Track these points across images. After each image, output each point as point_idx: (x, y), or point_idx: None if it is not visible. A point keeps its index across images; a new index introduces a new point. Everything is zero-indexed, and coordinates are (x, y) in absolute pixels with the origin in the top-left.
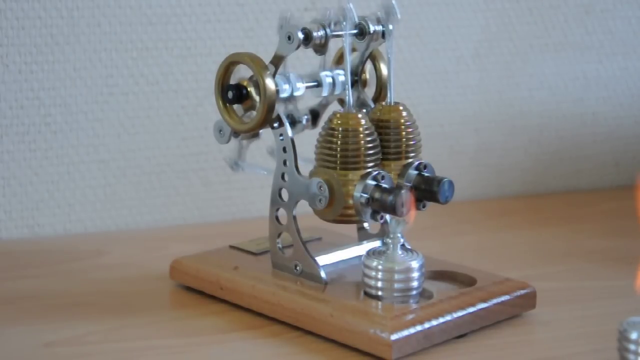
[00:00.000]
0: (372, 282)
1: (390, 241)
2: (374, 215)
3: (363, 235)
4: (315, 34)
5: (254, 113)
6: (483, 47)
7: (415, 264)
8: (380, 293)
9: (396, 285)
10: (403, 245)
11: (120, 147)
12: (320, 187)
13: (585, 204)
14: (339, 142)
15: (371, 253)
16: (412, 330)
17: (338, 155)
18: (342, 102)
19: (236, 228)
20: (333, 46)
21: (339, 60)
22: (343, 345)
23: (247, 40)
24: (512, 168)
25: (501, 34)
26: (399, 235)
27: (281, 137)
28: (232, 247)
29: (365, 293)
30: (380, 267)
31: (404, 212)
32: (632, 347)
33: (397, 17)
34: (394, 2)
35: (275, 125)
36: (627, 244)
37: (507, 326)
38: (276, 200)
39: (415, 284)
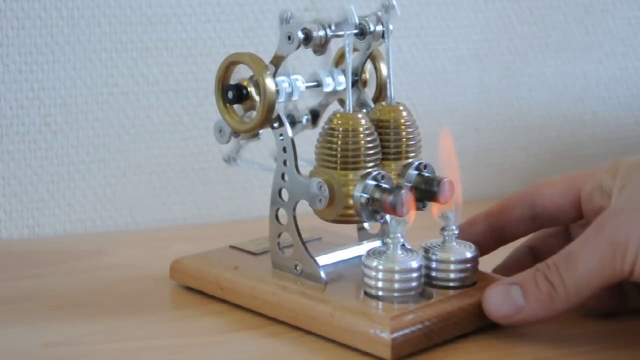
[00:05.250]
0: (372, 282)
1: (390, 241)
2: (374, 215)
3: (363, 235)
4: (315, 34)
5: (254, 113)
6: (483, 47)
7: (415, 264)
8: (380, 293)
9: (396, 285)
10: (403, 245)
11: (120, 147)
12: (320, 187)
13: None
14: (339, 142)
15: (371, 253)
16: (412, 330)
17: (338, 155)
18: (342, 102)
19: (236, 228)
20: (333, 46)
21: (339, 61)
22: (343, 345)
23: (247, 40)
24: (512, 168)
25: (501, 34)
26: (399, 235)
27: (281, 137)
28: (232, 247)
29: (365, 293)
30: (380, 267)
31: (404, 212)
32: (372, 273)
33: (397, 12)
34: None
35: (275, 125)
36: None
37: (507, 326)
38: (276, 200)
39: (415, 284)
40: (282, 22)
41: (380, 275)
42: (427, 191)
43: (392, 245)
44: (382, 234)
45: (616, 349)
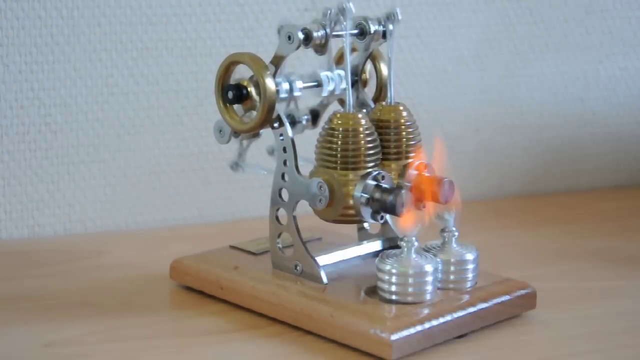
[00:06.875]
0: (386, 286)
1: (404, 244)
2: (374, 215)
3: (363, 235)
4: (315, 34)
5: (254, 113)
6: (483, 47)
7: (429, 268)
8: (393, 297)
9: (410, 289)
10: (417, 248)
11: (120, 147)
12: (320, 187)
13: (585, 204)
14: (339, 142)
15: (385, 256)
16: (412, 330)
17: (338, 155)
18: (342, 102)
19: (236, 228)
20: (333, 46)
21: (339, 60)
22: (343, 345)
23: (247, 40)
24: (512, 168)
25: (501, 34)
26: (413, 238)
27: (281, 137)
28: (232, 247)
29: (380, 297)
30: (394, 270)
31: (404, 212)
32: (385, 277)
33: (398, 18)
34: (397, 8)
35: (276, 125)
36: (626, 244)
37: (507, 326)
38: (276, 200)
39: (429, 287)
40: (279, 32)
41: (394, 279)
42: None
43: (406, 249)
44: (382, 234)
45: (616, 349)
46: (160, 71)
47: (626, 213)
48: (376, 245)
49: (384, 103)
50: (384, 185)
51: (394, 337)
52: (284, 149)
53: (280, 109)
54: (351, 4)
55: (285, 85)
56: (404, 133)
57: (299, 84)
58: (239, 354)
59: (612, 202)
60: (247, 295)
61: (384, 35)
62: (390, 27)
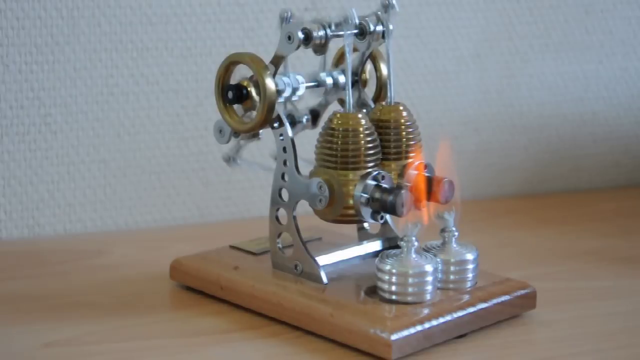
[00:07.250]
0: (386, 286)
1: (404, 244)
2: (374, 215)
3: (363, 235)
4: (315, 34)
5: (254, 113)
6: (483, 47)
7: (429, 268)
8: (393, 297)
9: (410, 289)
10: (417, 248)
11: (120, 147)
12: (320, 187)
13: (585, 204)
14: (339, 142)
15: (385, 256)
16: (412, 331)
17: (338, 155)
18: (342, 102)
19: (236, 228)
20: (333, 46)
21: (339, 61)
22: (343, 345)
23: (247, 40)
24: (512, 168)
25: (501, 34)
26: (414, 238)
27: (281, 137)
28: (232, 247)
29: (380, 297)
30: (394, 270)
31: (404, 212)
32: (385, 277)
33: (396, 11)
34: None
35: (275, 125)
36: (626, 244)
37: (507, 326)
38: (276, 200)
39: (429, 287)
40: (282, 21)
41: (393, 279)
42: (427, 191)
43: (406, 249)
44: (382, 234)
45: (616, 349)
46: (160, 71)
47: (626, 213)
48: (376, 245)
49: (384, 103)
50: (384, 185)
51: (394, 337)
52: (284, 149)
53: (280, 109)
54: (354, 10)
55: (286, 85)
56: (403, 133)
57: (299, 84)
58: (238, 354)
59: (611, 202)
60: (247, 295)
61: (384, 35)
62: (390, 25)
